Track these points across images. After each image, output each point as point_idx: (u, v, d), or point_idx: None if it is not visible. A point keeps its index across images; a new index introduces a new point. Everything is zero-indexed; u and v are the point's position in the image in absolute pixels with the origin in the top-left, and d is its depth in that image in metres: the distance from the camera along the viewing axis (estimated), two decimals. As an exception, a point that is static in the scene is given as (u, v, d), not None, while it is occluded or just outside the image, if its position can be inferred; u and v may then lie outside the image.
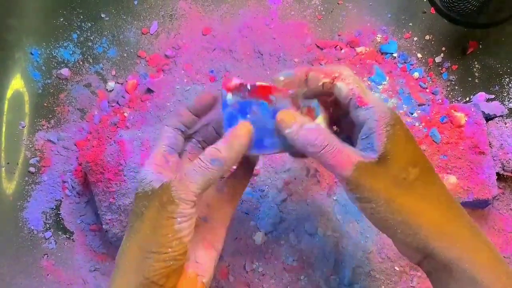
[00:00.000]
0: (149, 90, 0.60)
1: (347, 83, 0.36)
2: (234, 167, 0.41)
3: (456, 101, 0.60)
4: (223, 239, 0.41)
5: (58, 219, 0.59)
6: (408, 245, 0.35)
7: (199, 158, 0.35)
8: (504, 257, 0.56)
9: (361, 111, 0.36)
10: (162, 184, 0.35)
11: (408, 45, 0.61)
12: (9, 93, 0.61)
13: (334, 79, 0.37)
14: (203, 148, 0.40)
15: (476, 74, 0.60)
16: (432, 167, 0.36)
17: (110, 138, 0.57)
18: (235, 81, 0.37)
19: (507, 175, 0.57)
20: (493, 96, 0.59)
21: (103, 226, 0.54)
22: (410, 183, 0.34)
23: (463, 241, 0.35)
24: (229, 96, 0.38)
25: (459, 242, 0.35)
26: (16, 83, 0.61)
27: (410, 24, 0.61)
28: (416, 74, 0.60)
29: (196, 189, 0.35)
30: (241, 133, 0.36)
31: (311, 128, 0.35)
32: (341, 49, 0.61)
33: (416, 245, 0.35)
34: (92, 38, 0.62)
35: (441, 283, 0.36)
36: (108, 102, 0.61)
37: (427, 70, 0.60)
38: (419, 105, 0.58)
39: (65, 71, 0.61)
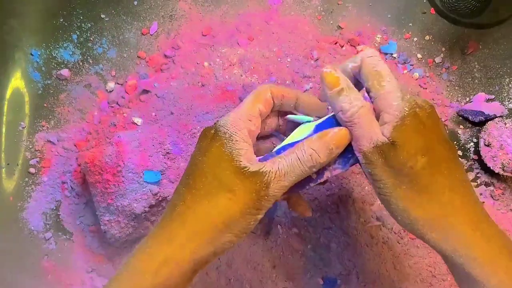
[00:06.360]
0: (149, 91, 0.60)
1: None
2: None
3: (456, 101, 0.60)
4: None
5: (58, 220, 0.59)
6: (409, 232, 0.37)
7: (299, 160, 0.36)
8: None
9: (376, 103, 0.37)
10: (257, 170, 0.36)
11: (408, 45, 0.61)
12: (9, 94, 0.61)
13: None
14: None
15: (476, 75, 0.60)
16: (449, 156, 0.36)
17: (109, 139, 0.57)
18: None
19: (507, 175, 0.56)
20: (493, 97, 0.59)
21: (101, 227, 0.53)
22: (416, 173, 0.35)
23: (458, 235, 0.35)
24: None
25: (454, 236, 0.35)
26: (16, 84, 0.61)
27: (410, 24, 0.61)
28: (416, 75, 0.60)
29: (286, 185, 0.36)
30: (343, 142, 0.36)
31: (347, 96, 0.36)
32: (341, 47, 0.61)
33: (414, 234, 0.36)
34: (92, 38, 0.62)
35: None
36: (108, 102, 0.61)
37: (427, 70, 0.60)
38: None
39: (65, 72, 0.61)
